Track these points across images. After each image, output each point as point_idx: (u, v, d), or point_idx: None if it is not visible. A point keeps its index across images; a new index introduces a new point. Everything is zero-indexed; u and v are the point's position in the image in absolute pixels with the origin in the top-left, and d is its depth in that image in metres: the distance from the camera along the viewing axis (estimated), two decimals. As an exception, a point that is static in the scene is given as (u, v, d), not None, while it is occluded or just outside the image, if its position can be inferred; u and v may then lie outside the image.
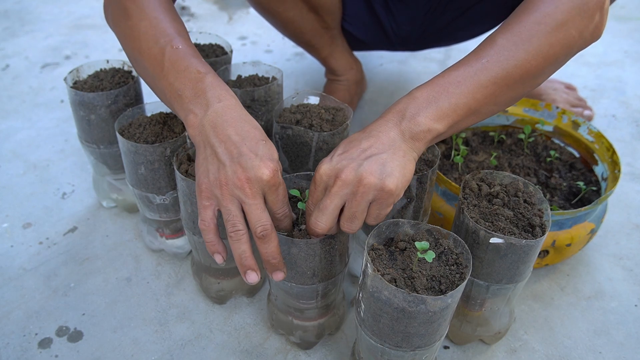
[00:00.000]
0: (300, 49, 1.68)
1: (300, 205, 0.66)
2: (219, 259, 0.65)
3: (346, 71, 1.30)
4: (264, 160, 0.59)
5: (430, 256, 0.58)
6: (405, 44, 1.24)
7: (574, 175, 1.01)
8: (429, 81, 0.65)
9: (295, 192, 0.67)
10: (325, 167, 0.60)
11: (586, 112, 1.30)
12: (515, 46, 0.63)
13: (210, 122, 0.61)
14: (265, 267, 0.63)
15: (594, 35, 0.68)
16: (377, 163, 0.59)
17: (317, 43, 1.20)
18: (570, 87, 1.38)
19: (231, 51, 1.02)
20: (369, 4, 1.16)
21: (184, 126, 0.81)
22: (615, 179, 0.91)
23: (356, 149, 0.61)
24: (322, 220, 0.60)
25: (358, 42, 1.28)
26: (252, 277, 0.62)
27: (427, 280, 0.59)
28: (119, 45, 1.69)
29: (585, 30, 0.66)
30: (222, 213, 0.61)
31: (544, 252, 0.88)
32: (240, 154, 0.59)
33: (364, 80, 1.40)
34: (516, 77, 0.64)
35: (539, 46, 0.63)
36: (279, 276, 0.63)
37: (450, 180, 0.90)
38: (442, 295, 0.56)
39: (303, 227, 0.65)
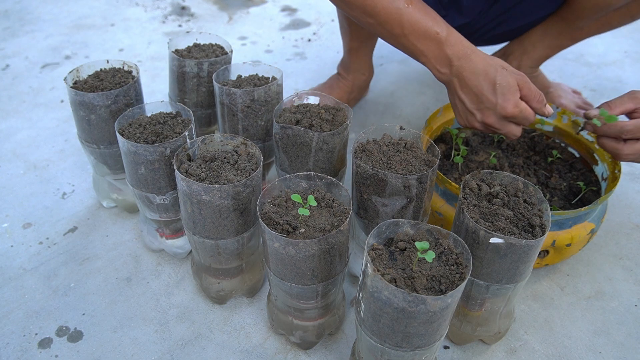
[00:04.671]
0: (300, 49, 1.68)
1: (300, 210, 0.66)
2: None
3: (356, 73, 1.30)
4: (505, 101, 0.78)
5: (430, 256, 0.58)
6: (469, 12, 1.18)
7: (574, 175, 1.01)
8: None
9: (296, 198, 0.67)
10: None
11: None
12: None
13: (456, 75, 0.81)
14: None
15: None
16: None
17: (357, 32, 1.19)
18: (576, 92, 1.38)
19: (231, 51, 1.02)
20: None
21: (184, 126, 0.81)
22: (615, 179, 0.90)
23: None
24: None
25: None
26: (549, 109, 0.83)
27: (427, 280, 0.59)
28: (119, 45, 1.69)
29: None
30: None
31: (544, 252, 0.88)
32: (483, 102, 0.80)
33: (367, 89, 1.41)
34: None
35: None
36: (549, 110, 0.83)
37: (450, 180, 0.90)
38: (442, 295, 0.56)
39: (302, 230, 0.65)
